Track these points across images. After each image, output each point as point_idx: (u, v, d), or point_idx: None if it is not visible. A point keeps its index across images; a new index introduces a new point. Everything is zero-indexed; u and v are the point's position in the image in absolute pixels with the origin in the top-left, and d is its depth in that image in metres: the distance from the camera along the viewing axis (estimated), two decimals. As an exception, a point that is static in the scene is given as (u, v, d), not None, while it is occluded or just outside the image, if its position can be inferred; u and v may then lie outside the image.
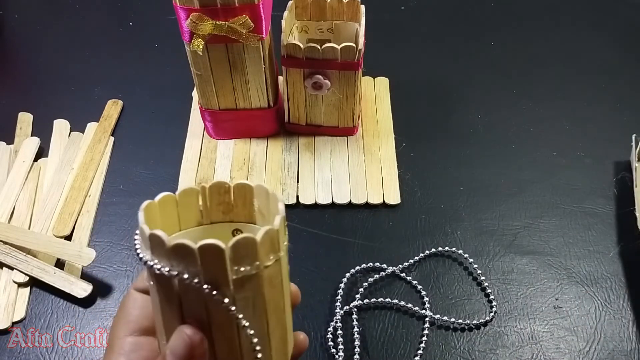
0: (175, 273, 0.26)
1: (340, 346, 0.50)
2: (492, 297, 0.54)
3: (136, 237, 0.28)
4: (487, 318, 0.53)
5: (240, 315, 0.27)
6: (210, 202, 0.32)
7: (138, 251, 0.28)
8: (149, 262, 0.27)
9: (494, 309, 0.53)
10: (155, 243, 0.26)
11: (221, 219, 0.33)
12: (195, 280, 0.26)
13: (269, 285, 0.28)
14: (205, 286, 0.26)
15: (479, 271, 0.56)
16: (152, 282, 0.28)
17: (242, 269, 0.27)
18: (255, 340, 0.28)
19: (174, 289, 0.27)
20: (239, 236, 0.26)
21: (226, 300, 0.27)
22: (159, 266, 0.26)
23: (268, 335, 0.29)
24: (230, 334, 0.28)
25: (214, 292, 0.26)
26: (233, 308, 0.27)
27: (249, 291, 0.27)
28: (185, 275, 0.26)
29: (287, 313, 0.31)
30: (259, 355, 0.29)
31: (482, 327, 0.53)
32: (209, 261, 0.26)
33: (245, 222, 0.33)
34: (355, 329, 0.51)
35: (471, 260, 0.56)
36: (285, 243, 0.29)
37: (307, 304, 0.53)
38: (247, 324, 0.28)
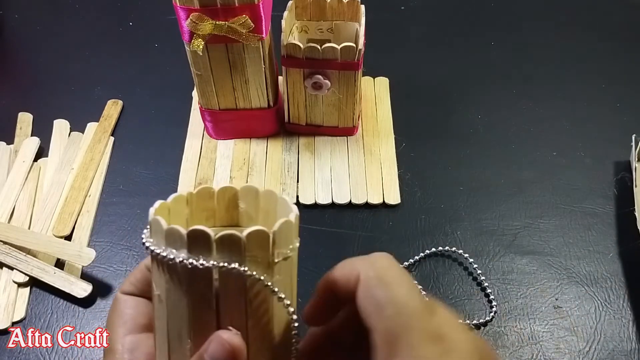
0: (221, 265, 0.26)
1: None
2: (492, 297, 0.54)
3: (152, 244, 0.28)
4: (487, 318, 0.53)
5: (283, 295, 0.28)
6: (195, 209, 0.32)
7: (166, 254, 0.27)
8: (186, 261, 0.26)
9: (494, 309, 0.53)
10: (196, 239, 0.26)
11: (203, 224, 0.33)
12: (243, 269, 0.27)
13: (295, 267, 0.30)
14: (254, 272, 0.27)
15: (479, 271, 0.56)
16: (183, 284, 0.28)
17: (282, 251, 0.28)
18: (294, 317, 0.29)
19: (212, 285, 0.27)
20: (281, 220, 0.27)
21: (269, 283, 0.28)
22: (202, 262, 0.26)
23: None
24: (267, 321, 0.29)
25: (261, 277, 0.27)
26: (276, 289, 0.28)
27: (284, 274, 0.29)
28: (233, 265, 0.26)
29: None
30: (294, 340, 0.30)
31: (482, 327, 0.53)
32: (256, 247, 0.27)
33: (226, 225, 0.33)
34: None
35: (471, 260, 0.56)
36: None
37: (307, 304, 0.53)
38: (288, 302, 0.29)
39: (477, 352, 0.25)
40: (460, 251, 0.57)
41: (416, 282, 0.55)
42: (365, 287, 0.27)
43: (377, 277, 0.27)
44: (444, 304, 0.27)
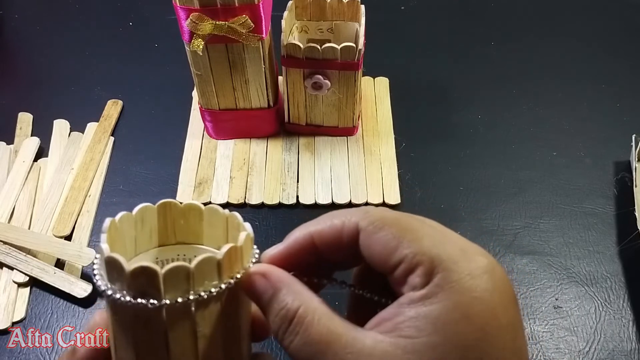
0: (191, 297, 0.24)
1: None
2: (492, 297, 0.54)
3: (101, 278, 0.25)
4: (487, 318, 0.53)
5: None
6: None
7: (152, 301, 0.24)
8: (156, 303, 0.24)
9: (494, 309, 0.53)
10: (140, 275, 0.23)
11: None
12: (212, 291, 0.25)
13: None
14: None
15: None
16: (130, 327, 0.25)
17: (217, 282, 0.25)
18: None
19: (162, 322, 0.25)
20: (229, 245, 0.25)
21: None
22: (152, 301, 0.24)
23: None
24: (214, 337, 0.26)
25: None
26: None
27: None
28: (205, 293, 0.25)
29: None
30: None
31: (482, 327, 0.52)
32: (204, 275, 0.24)
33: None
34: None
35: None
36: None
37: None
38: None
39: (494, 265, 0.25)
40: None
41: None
42: (374, 229, 0.25)
43: (382, 219, 0.25)
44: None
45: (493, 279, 0.24)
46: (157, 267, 0.23)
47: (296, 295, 0.25)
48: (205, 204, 0.29)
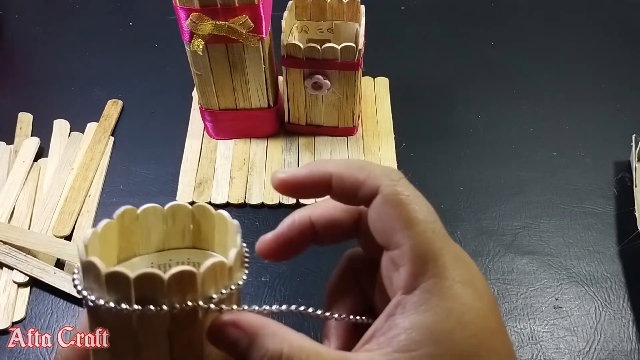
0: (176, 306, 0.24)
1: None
2: (492, 297, 0.54)
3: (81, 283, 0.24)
4: (487, 318, 0.53)
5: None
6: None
7: (91, 297, 0.24)
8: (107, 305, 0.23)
9: (494, 309, 0.53)
10: (114, 279, 0.23)
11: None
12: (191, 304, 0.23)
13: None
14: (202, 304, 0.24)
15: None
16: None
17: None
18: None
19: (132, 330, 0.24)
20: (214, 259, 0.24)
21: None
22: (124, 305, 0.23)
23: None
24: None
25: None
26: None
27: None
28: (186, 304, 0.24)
29: None
30: None
31: (482, 327, 0.52)
32: (146, 289, 0.23)
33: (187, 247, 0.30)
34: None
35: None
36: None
37: (307, 305, 0.53)
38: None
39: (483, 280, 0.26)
40: (460, 251, 0.57)
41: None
42: (392, 200, 0.25)
43: (406, 194, 0.25)
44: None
45: (479, 286, 0.24)
46: (102, 265, 0.23)
47: (276, 337, 0.23)
48: (206, 204, 0.29)
